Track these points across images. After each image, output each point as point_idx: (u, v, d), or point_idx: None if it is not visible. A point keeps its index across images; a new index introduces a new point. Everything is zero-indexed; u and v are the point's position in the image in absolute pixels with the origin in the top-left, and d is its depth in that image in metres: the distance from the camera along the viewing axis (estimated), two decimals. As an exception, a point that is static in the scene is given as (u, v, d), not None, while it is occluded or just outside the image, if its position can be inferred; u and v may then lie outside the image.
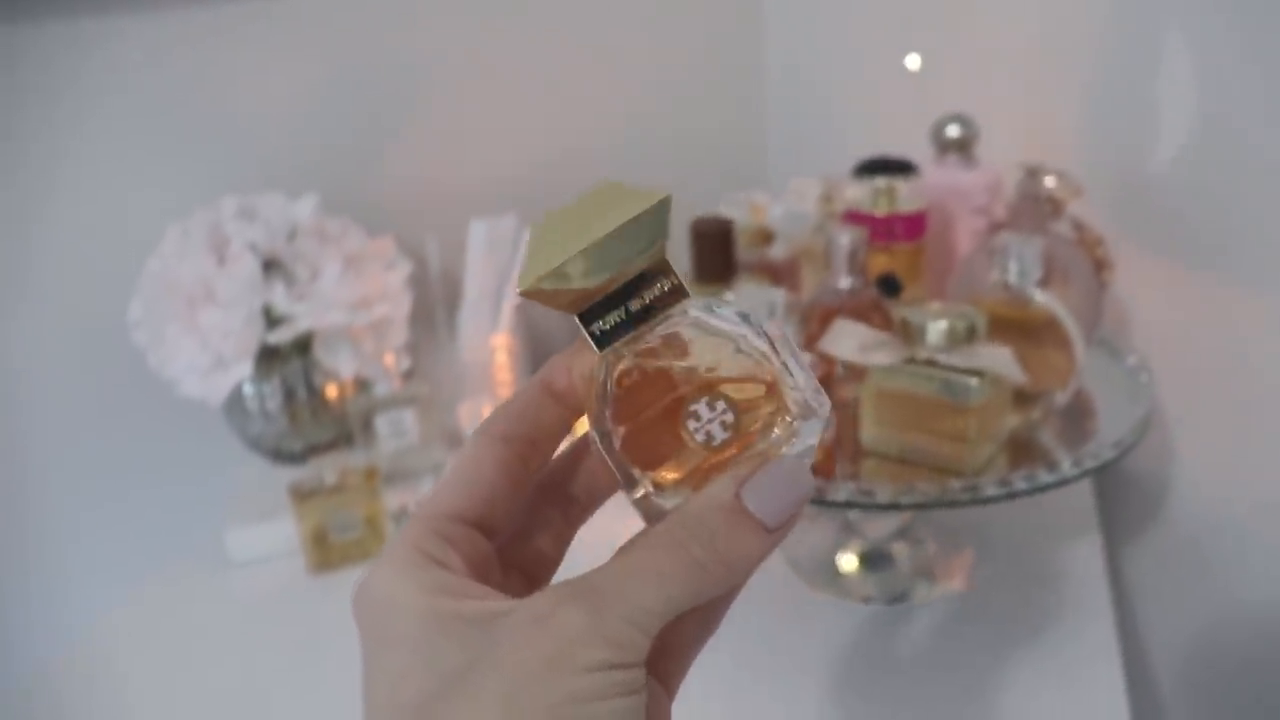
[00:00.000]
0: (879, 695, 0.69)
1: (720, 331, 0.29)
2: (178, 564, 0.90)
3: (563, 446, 0.35)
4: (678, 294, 0.30)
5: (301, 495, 0.85)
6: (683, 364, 0.30)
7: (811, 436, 0.29)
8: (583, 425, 0.32)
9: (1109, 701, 0.66)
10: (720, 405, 0.29)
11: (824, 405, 0.29)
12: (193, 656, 0.79)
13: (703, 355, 0.30)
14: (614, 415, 0.29)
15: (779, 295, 0.73)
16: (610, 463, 0.30)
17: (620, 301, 0.29)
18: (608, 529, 0.32)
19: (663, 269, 0.29)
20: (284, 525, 0.88)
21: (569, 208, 0.30)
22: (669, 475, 0.30)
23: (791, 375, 0.29)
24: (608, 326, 0.30)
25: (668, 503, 0.29)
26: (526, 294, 0.29)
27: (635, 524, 0.30)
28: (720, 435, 0.29)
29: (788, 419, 0.29)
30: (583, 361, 0.32)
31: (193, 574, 0.88)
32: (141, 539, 0.93)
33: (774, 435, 0.29)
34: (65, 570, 1.05)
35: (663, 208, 0.29)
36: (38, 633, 1.04)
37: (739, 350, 0.29)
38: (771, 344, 0.29)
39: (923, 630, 0.75)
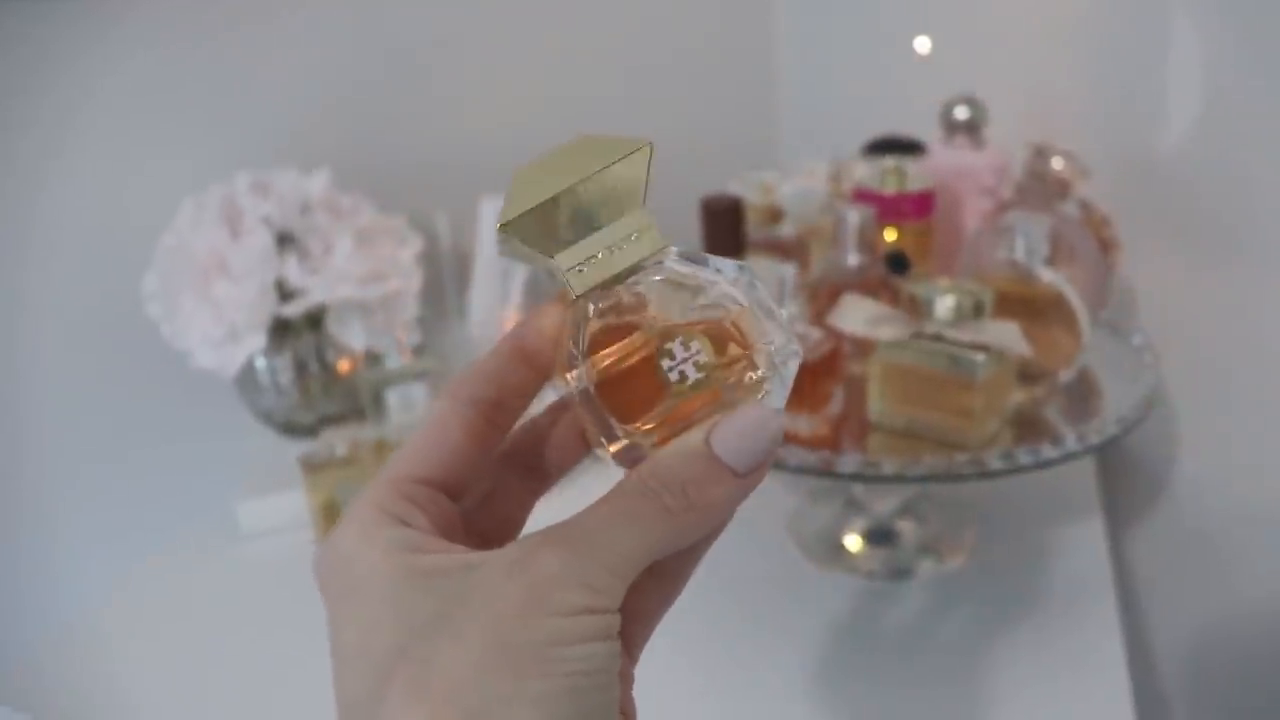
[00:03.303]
0: (881, 670, 0.70)
1: (696, 277, 0.30)
2: (189, 535, 0.91)
3: (531, 413, 0.35)
4: (655, 241, 0.30)
5: (312, 467, 0.85)
6: (659, 308, 0.30)
7: (786, 380, 0.30)
8: (549, 392, 0.33)
9: (1110, 681, 0.67)
10: (694, 345, 0.29)
11: (797, 348, 0.30)
12: (203, 626, 0.79)
13: (679, 300, 0.30)
14: (590, 362, 0.30)
15: (789, 270, 0.73)
16: (585, 412, 0.30)
17: (598, 247, 0.30)
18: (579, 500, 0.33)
19: (641, 217, 0.30)
20: (295, 498, 0.89)
21: (551, 156, 0.30)
22: (645, 424, 0.30)
23: (766, 318, 0.29)
24: (585, 271, 0.30)
25: (644, 443, 0.30)
26: (506, 229, 0.29)
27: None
28: (693, 375, 0.29)
29: (762, 360, 0.30)
30: (551, 319, 0.33)
31: (204, 545, 0.89)
32: (153, 509, 0.94)
33: (749, 378, 0.30)
34: (78, 541, 1.06)
35: (641, 156, 0.29)
36: (49, 602, 1.05)
37: (714, 295, 0.30)
38: (747, 288, 0.30)
39: (926, 607, 0.76)
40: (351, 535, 0.30)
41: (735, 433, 0.29)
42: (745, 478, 0.29)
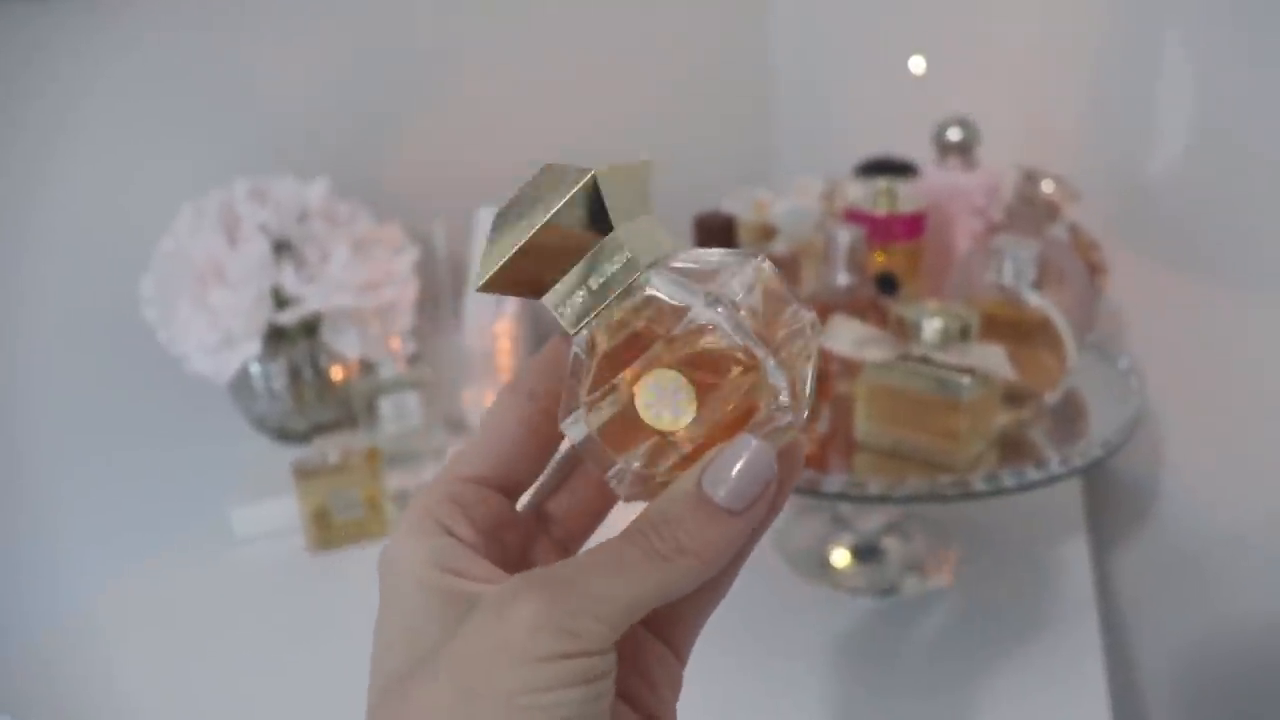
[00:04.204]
0: (863, 685, 0.70)
1: (676, 299, 0.28)
2: (183, 538, 0.91)
3: None
4: (634, 264, 0.29)
5: (304, 474, 0.86)
6: (651, 337, 0.29)
7: (783, 405, 0.28)
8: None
9: (1090, 701, 0.67)
10: (671, 384, 0.28)
11: (782, 373, 0.28)
12: (195, 629, 0.80)
13: (666, 324, 0.28)
14: (589, 391, 0.29)
15: (764, 264, 0.74)
16: (587, 458, 0.29)
17: (580, 282, 0.29)
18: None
19: (615, 240, 0.29)
20: (288, 504, 0.90)
21: (521, 193, 0.29)
22: (639, 458, 0.29)
23: (748, 339, 0.28)
24: (571, 308, 0.29)
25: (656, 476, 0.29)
26: (484, 289, 0.29)
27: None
28: (677, 413, 0.28)
29: (762, 390, 0.28)
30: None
31: (198, 549, 0.90)
32: (147, 513, 0.95)
33: (748, 398, 0.28)
34: (72, 543, 1.07)
35: (591, 185, 0.28)
36: (40, 604, 1.05)
37: (700, 316, 0.28)
38: (728, 314, 0.28)
39: (910, 623, 0.76)
40: (400, 538, 0.31)
41: (725, 469, 0.27)
42: (740, 516, 0.28)
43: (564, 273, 0.29)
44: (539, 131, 1.13)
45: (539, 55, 1.13)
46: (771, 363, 0.28)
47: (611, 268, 0.29)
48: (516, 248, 0.28)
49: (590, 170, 0.28)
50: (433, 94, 1.10)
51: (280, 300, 0.92)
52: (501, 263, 0.28)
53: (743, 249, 0.32)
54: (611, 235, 0.29)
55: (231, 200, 0.93)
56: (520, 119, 1.13)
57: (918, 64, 0.96)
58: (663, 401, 0.28)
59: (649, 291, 0.29)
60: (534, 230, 0.28)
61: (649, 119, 1.17)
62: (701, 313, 0.28)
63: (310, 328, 0.95)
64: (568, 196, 0.28)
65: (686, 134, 1.17)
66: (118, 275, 0.98)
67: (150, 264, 0.94)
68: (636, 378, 0.28)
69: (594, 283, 0.29)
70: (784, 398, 0.28)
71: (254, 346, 0.92)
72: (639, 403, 0.28)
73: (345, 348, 0.95)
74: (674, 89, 1.18)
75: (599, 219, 0.28)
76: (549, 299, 0.30)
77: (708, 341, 0.28)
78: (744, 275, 0.29)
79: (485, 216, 1.03)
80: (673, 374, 0.28)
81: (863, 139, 0.95)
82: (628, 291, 0.29)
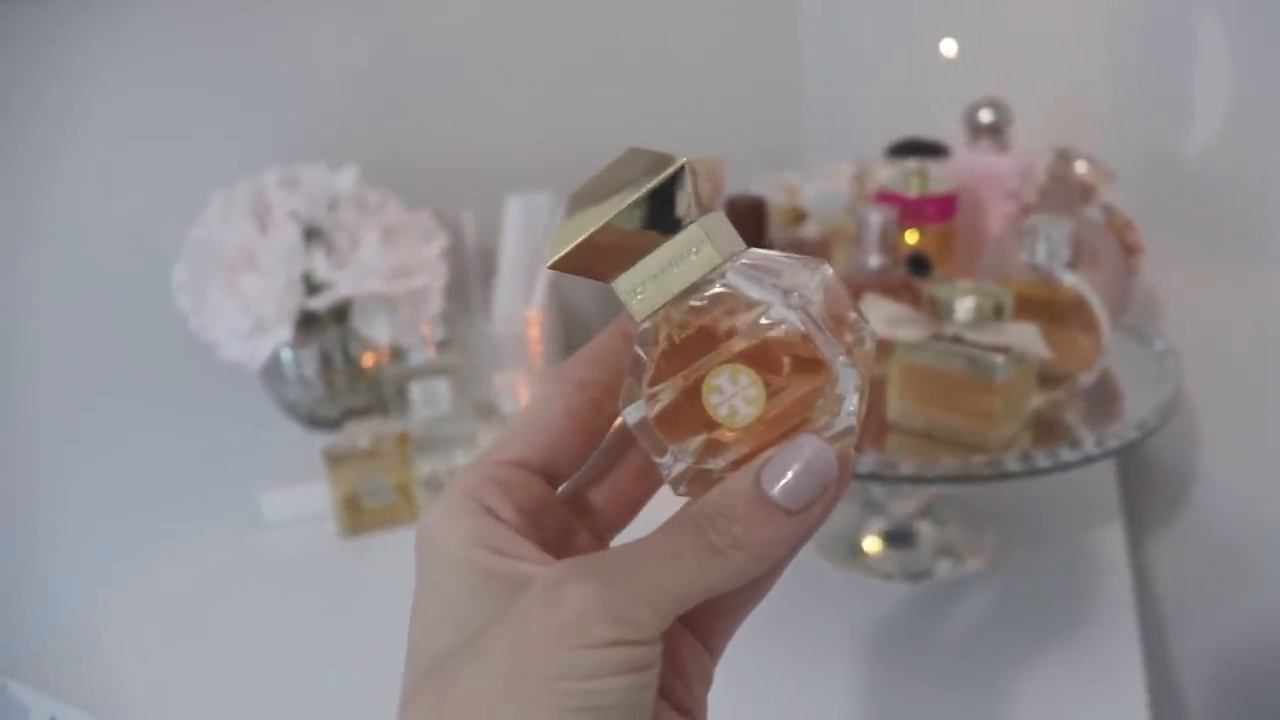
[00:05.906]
0: (895, 670, 0.70)
1: (752, 294, 0.28)
2: (213, 524, 0.92)
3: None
4: (712, 256, 0.28)
5: (335, 459, 0.86)
6: (717, 332, 0.28)
7: (850, 414, 0.28)
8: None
9: (1127, 689, 0.67)
10: (743, 379, 0.28)
11: (853, 372, 0.28)
12: (224, 614, 0.81)
13: (740, 319, 0.28)
14: (651, 383, 0.29)
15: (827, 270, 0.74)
16: (642, 440, 0.29)
17: (655, 267, 0.29)
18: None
19: (695, 232, 0.28)
20: (318, 489, 0.90)
21: (600, 175, 0.29)
22: (691, 453, 0.29)
23: (822, 340, 0.27)
24: (644, 295, 0.29)
25: (713, 468, 0.29)
26: (555, 267, 0.28)
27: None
28: (744, 410, 0.28)
29: (827, 393, 0.28)
30: None
31: (228, 534, 0.90)
32: (179, 497, 0.96)
33: (813, 410, 0.28)
34: (102, 528, 1.08)
35: (680, 175, 0.27)
36: (72, 587, 1.07)
37: (774, 313, 0.28)
38: (807, 315, 0.27)
39: (943, 608, 0.76)
40: (439, 516, 0.30)
41: (784, 468, 0.27)
42: (796, 516, 0.27)
43: (639, 259, 0.29)
44: (568, 119, 1.12)
45: (568, 42, 1.13)
46: (844, 364, 0.28)
47: (690, 259, 0.28)
48: (596, 228, 0.28)
49: (681, 158, 0.28)
50: (462, 81, 1.10)
51: (311, 286, 0.93)
52: (578, 241, 0.28)
53: (804, 256, 0.31)
54: (694, 225, 0.28)
55: (262, 188, 0.94)
56: (550, 105, 1.13)
57: (949, 46, 0.95)
58: (733, 397, 0.28)
59: (725, 286, 0.28)
60: (616, 212, 0.28)
61: (679, 104, 1.17)
62: (780, 311, 0.28)
63: (341, 314, 0.96)
64: (655, 182, 0.27)
65: (717, 118, 1.17)
66: (150, 264, 0.99)
67: (182, 252, 0.95)
68: (702, 372, 0.28)
69: (670, 273, 0.28)
70: (850, 404, 0.28)
71: (285, 333, 0.92)
72: (707, 397, 0.28)
73: (376, 333, 0.96)
74: (705, 73, 1.18)
75: (682, 208, 0.28)
76: (621, 285, 0.29)
77: (781, 340, 0.28)
78: (814, 279, 0.29)
79: (515, 203, 1.03)
80: (746, 370, 0.28)
81: (893, 122, 0.94)
82: (703, 284, 0.28)
